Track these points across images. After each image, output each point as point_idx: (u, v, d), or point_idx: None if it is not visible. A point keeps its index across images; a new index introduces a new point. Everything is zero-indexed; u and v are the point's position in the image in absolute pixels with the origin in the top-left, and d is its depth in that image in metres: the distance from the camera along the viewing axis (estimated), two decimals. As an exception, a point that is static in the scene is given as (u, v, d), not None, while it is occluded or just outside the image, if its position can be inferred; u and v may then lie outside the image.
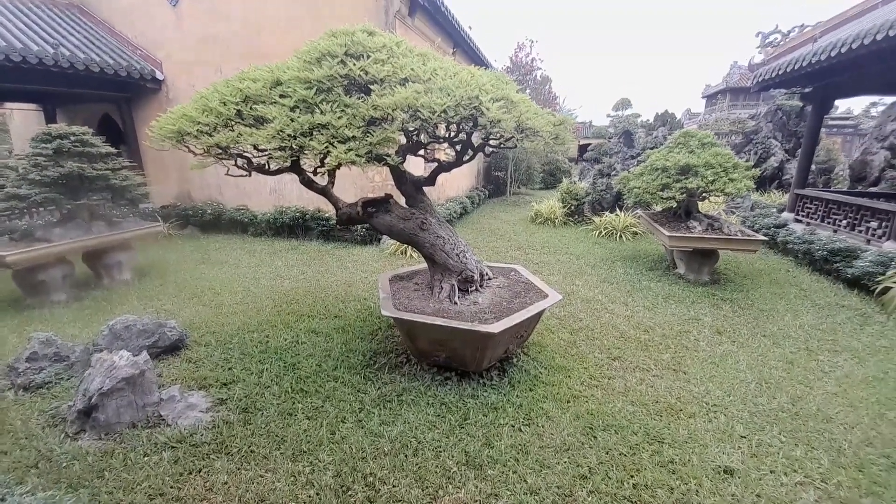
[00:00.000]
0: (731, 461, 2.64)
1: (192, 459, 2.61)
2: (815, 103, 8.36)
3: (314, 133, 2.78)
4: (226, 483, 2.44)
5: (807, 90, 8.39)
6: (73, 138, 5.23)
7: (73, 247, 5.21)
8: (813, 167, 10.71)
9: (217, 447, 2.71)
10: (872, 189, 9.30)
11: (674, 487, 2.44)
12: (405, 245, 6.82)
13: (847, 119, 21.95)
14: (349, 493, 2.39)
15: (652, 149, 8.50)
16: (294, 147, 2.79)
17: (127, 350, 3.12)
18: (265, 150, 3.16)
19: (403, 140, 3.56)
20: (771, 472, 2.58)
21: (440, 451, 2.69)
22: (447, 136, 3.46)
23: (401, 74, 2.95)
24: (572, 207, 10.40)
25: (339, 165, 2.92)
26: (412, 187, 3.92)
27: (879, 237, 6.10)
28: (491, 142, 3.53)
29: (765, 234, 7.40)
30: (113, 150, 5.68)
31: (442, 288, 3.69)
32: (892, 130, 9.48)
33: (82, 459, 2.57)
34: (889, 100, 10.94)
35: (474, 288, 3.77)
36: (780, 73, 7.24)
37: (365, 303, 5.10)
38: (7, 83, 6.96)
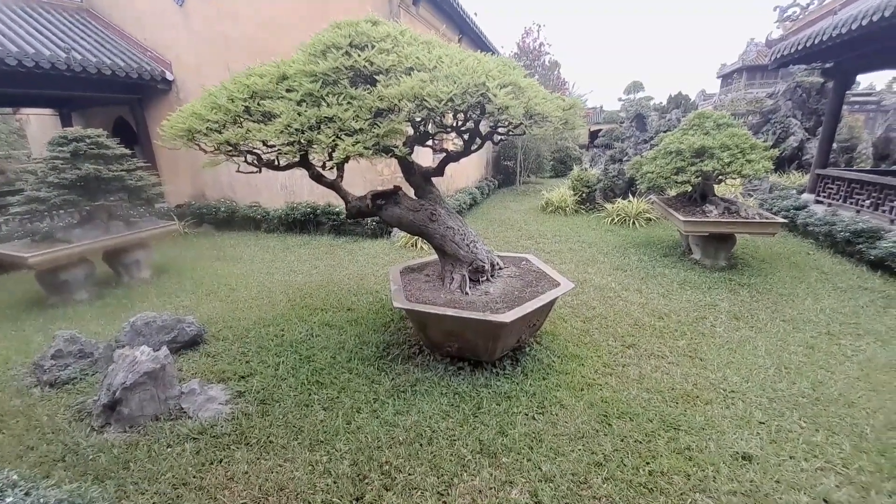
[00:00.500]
0: (749, 447, 2.60)
1: (213, 450, 2.68)
2: (837, 79, 8.06)
3: (321, 126, 2.78)
4: (246, 472, 2.50)
5: (827, 65, 8.08)
6: (88, 141, 5.34)
7: (93, 247, 5.35)
8: (834, 146, 10.34)
9: (237, 438, 2.78)
10: (897, 167, 8.96)
11: (690, 474, 2.42)
12: (415, 237, 6.83)
13: (870, 95, 21.11)
14: (366, 481, 2.43)
15: (665, 132, 8.31)
16: (302, 141, 2.79)
17: (148, 345, 3.20)
18: (274, 146, 3.18)
19: (411, 131, 3.54)
20: (791, 457, 2.54)
21: (454, 440, 2.71)
22: (455, 125, 3.43)
23: (406, 63, 2.92)
24: (583, 195, 10.26)
25: (347, 159, 2.92)
26: (421, 178, 3.91)
27: (905, 216, 5.89)
28: (499, 129, 3.49)
29: (784, 217, 7.21)
30: (127, 151, 5.79)
31: (453, 279, 3.69)
32: (919, 105, 9.09)
33: (108, 452, 2.66)
34: (915, 73, 10.48)
35: (485, 278, 3.76)
36: (800, 48, 6.97)
37: (377, 295, 5.14)
38: (21, 88, 7.11)
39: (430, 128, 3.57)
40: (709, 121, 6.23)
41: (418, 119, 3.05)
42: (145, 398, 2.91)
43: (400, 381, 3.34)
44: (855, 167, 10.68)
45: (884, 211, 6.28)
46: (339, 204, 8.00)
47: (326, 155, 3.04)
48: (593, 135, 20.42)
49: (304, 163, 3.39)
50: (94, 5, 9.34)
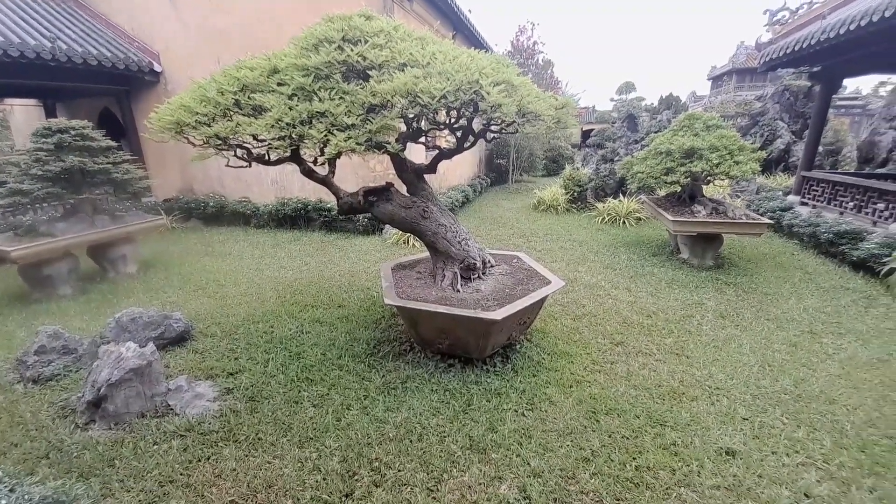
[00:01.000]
0: (732, 443, 2.66)
1: (200, 447, 2.65)
2: (824, 83, 8.20)
3: (313, 121, 2.76)
4: (234, 469, 2.49)
5: (815, 69, 8.22)
6: (73, 132, 5.23)
7: (78, 241, 5.24)
8: (820, 149, 10.55)
9: (225, 435, 2.76)
10: (880, 170, 9.17)
11: (675, 469, 2.46)
12: (407, 234, 6.82)
13: (856, 99, 21.55)
14: (355, 477, 2.43)
15: (656, 133, 8.40)
16: (293, 136, 2.77)
17: (134, 342, 3.15)
18: (264, 140, 3.14)
19: (403, 127, 3.53)
20: (773, 453, 2.59)
21: (444, 436, 2.73)
22: (447, 122, 3.43)
23: (399, 59, 2.91)
24: (575, 194, 10.32)
25: (339, 154, 2.91)
26: (413, 175, 3.90)
27: (886, 219, 6.03)
28: (492, 127, 3.49)
29: (770, 218, 7.33)
30: (113, 143, 5.67)
31: (444, 276, 3.69)
32: (902, 110, 9.30)
33: (92, 449, 2.62)
34: (899, 78, 10.71)
35: (477, 275, 3.77)
36: (788, 51, 7.08)
37: (368, 292, 5.12)
38: (6, 78, 6.94)
39: (423, 124, 3.57)
40: (698, 122, 6.30)
41: (411, 115, 3.04)
42: (131, 395, 2.87)
43: (390, 377, 3.34)
44: (839, 170, 10.90)
45: (866, 213, 6.43)
46: (330, 200, 7.95)
47: (318, 150, 3.02)
48: (585, 134, 20.53)
49: (296, 158, 3.36)
50: (80, -6, 9.12)
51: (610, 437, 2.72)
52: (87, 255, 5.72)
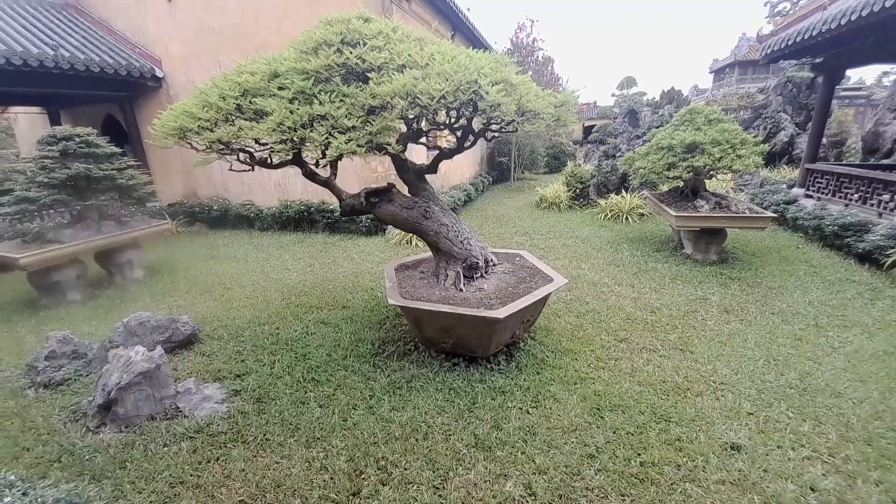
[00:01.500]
0: (738, 438, 2.66)
1: (209, 448, 2.69)
2: (826, 74, 8.14)
3: (314, 124, 2.79)
4: (243, 470, 2.52)
5: (817, 60, 8.14)
6: (78, 139, 5.29)
7: (85, 247, 5.30)
8: (824, 140, 10.48)
9: (233, 436, 2.79)
10: (885, 161, 9.09)
11: (680, 464, 2.47)
12: (410, 234, 6.84)
13: (859, 89, 21.34)
14: (362, 476, 2.46)
15: (658, 127, 8.37)
16: (295, 139, 2.80)
17: (142, 345, 3.19)
18: (266, 144, 3.17)
19: (404, 128, 3.55)
20: (778, 447, 2.59)
21: (450, 435, 2.75)
22: (447, 122, 3.44)
23: (398, 61, 2.92)
24: (577, 191, 10.31)
25: (340, 157, 2.93)
26: (414, 176, 3.92)
27: (892, 210, 5.98)
28: (492, 126, 3.50)
29: (774, 211, 7.29)
30: (118, 149, 5.73)
31: (447, 275, 3.71)
32: (907, 99, 9.22)
33: (104, 452, 2.67)
34: (903, 67, 10.61)
35: (479, 274, 3.78)
36: (790, 43, 7.03)
37: (372, 293, 5.15)
38: (10, 87, 7.02)
39: (423, 125, 3.58)
40: (700, 116, 6.28)
41: (411, 116, 3.06)
42: (140, 398, 2.91)
43: (395, 377, 3.36)
44: (844, 161, 10.81)
45: (872, 205, 6.38)
46: (333, 201, 7.98)
47: (319, 153, 3.04)
48: (587, 130, 20.48)
49: (298, 161, 3.39)
50: (81, 1, 9.20)
51: (615, 433, 2.73)
52: (94, 260, 5.78)
